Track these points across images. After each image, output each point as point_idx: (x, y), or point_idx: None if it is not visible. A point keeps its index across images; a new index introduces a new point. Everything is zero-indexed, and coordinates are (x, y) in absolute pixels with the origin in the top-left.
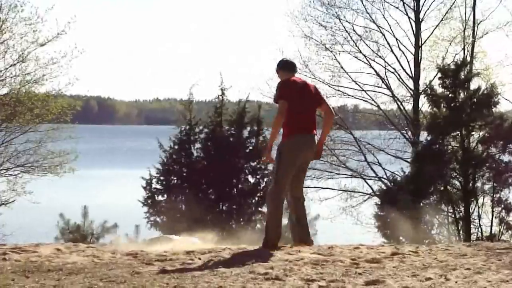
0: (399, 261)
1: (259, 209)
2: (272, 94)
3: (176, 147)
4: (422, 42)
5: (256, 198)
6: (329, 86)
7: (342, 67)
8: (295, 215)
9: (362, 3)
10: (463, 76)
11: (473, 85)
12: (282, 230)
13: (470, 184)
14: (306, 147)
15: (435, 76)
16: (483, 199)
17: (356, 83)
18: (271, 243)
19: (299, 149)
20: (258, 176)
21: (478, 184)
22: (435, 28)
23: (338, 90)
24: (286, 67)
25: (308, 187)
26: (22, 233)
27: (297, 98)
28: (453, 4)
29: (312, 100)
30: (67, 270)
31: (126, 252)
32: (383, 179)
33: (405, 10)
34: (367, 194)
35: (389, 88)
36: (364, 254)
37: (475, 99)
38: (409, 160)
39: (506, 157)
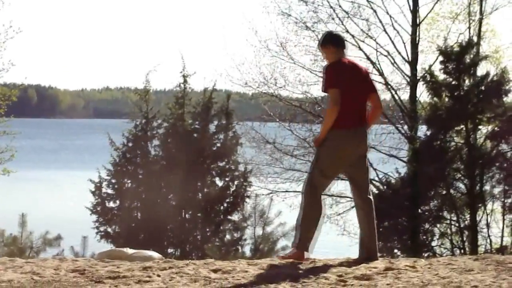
0: (393, 278)
1: (229, 217)
2: (243, 81)
3: (130, 144)
4: (421, 20)
5: (225, 204)
6: (310, 72)
7: None
8: (359, 223)
9: None
10: (468, 60)
11: (480, 71)
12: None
13: (477, 187)
14: (356, 142)
15: (435, 60)
16: (492, 204)
17: None
18: (299, 246)
19: (343, 147)
20: (227, 179)
21: (487, 187)
22: (436, 3)
23: (321, 77)
24: (335, 42)
25: (287, 191)
26: None
27: (346, 85)
28: None
29: (363, 86)
30: None
31: (72, 268)
32: (374, 182)
33: None
34: None
35: (381, 74)
36: (353, 270)
37: (482, 87)
38: (405, 159)
39: None
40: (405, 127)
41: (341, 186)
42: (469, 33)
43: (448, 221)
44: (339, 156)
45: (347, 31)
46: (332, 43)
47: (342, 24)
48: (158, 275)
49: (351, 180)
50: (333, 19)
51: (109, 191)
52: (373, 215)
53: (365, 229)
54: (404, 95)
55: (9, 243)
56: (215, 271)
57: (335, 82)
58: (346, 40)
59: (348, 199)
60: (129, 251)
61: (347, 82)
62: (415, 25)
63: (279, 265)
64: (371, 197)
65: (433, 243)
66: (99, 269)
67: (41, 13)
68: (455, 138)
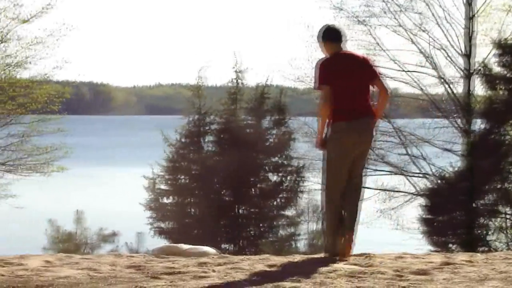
0: (450, 273)
1: (282, 212)
2: (296, 77)
3: (183, 140)
4: (475, 13)
5: (279, 200)
6: None
7: (379, 44)
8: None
9: None
10: None
11: None
12: None
13: None
14: (357, 133)
15: (490, 53)
16: None
17: (396, 63)
18: (327, 250)
19: (345, 139)
20: (280, 174)
21: None
22: None
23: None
24: (328, 36)
25: None
26: (4, 243)
27: (340, 78)
28: None
29: (362, 76)
30: (59, 285)
31: (127, 264)
32: (428, 176)
33: None
34: (410, 193)
35: (435, 67)
36: (409, 265)
37: None
38: (460, 153)
39: None
40: (459, 121)
41: (395, 180)
42: None
43: (503, 215)
44: (343, 150)
45: (401, 25)
46: (327, 37)
47: (395, 18)
48: (214, 271)
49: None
50: (386, 12)
51: (163, 187)
52: (358, 211)
53: (347, 219)
54: (459, 89)
55: (65, 240)
56: (271, 266)
57: (324, 79)
58: (342, 33)
59: (402, 193)
60: (184, 246)
61: (340, 74)
62: (469, 18)
63: (335, 260)
64: (359, 194)
65: (489, 237)
66: (155, 265)
67: (94, 10)
68: (510, 131)
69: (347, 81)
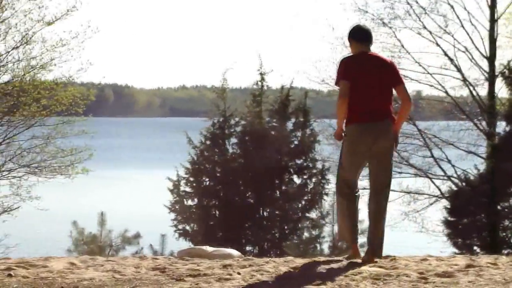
0: (475, 275)
1: (307, 214)
2: (320, 79)
3: (208, 142)
4: (499, 15)
5: (303, 202)
6: None
7: (403, 46)
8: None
9: None
10: None
11: None
12: None
13: None
14: (372, 137)
15: None
16: None
17: (420, 65)
18: (343, 239)
19: (356, 142)
20: (305, 176)
21: None
22: None
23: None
24: (354, 36)
25: (364, 189)
26: (29, 245)
27: (361, 77)
28: None
29: (384, 79)
30: (84, 287)
31: (152, 266)
32: (452, 178)
33: None
34: (434, 196)
35: (459, 70)
36: (434, 267)
37: None
38: (484, 155)
39: None
40: (483, 123)
41: (419, 183)
42: None
43: None
44: (353, 151)
45: (425, 27)
46: (353, 37)
47: (419, 20)
48: (239, 273)
49: (370, 173)
50: (410, 15)
51: (187, 189)
52: (381, 215)
53: (370, 225)
54: (482, 91)
55: (89, 242)
56: (295, 268)
57: (344, 75)
58: (369, 34)
59: (426, 196)
60: (209, 249)
61: (362, 74)
62: (493, 20)
63: (360, 262)
64: (383, 200)
65: None
66: (179, 267)
67: (119, 13)
68: None
69: (367, 81)
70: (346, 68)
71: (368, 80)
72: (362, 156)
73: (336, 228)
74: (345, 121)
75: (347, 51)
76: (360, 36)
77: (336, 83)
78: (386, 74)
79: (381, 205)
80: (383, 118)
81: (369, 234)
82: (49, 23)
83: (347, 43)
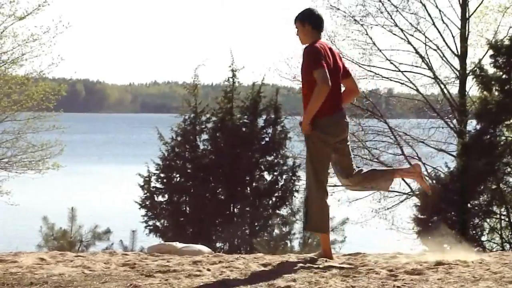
0: (444, 273)
1: (277, 211)
2: (291, 75)
3: (179, 138)
4: (470, 13)
5: (274, 199)
6: (359, 65)
7: (374, 44)
8: None
9: None
10: None
11: None
12: None
13: None
14: (341, 127)
15: (485, 54)
16: None
17: (391, 62)
18: (320, 229)
19: (331, 134)
20: (275, 173)
21: None
22: None
23: (370, 71)
24: (316, 23)
25: (335, 186)
26: None
27: (330, 66)
28: None
29: (339, 70)
30: (53, 283)
31: (122, 262)
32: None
33: None
34: (405, 194)
35: (430, 68)
36: (403, 264)
37: None
38: (454, 153)
39: None
40: (454, 121)
41: None
42: None
43: (498, 216)
44: (327, 143)
45: (396, 25)
46: (310, 22)
47: (391, 18)
48: (208, 269)
49: (334, 164)
50: (381, 12)
51: (158, 185)
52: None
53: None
54: (453, 89)
55: (59, 237)
56: (265, 265)
57: (323, 62)
58: (322, 23)
59: (396, 193)
60: (179, 245)
61: (331, 64)
62: (464, 18)
63: (329, 259)
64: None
65: (483, 238)
66: (149, 263)
67: (90, 8)
68: (505, 132)
69: (335, 71)
70: (323, 55)
71: (335, 69)
72: (332, 147)
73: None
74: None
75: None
76: (320, 24)
77: (316, 67)
78: (341, 66)
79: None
80: (342, 108)
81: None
82: (20, 18)
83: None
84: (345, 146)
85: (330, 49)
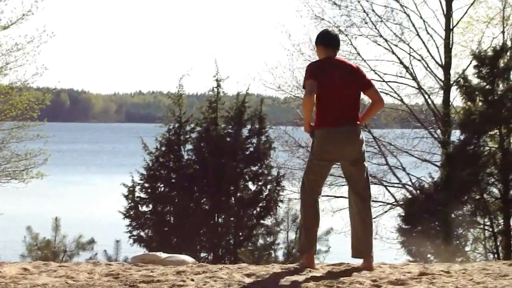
0: (428, 283)
1: (261, 221)
2: (276, 85)
3: (163, 148)
4: (454, 24)
5: (258, 209)
6: None
7: (359, 54)
8: (352, 221)
9: None
10: (502, 64)
11: None
12: None
13: (511, 192)
14: (340, 140)
15: (469, 64)
16: None
17: (376, 73)
18: (302, 250)
19: (327, 146)
20: (260, 183)
21: None
22: (469, 7)
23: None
24: (321, 41)
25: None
26: None
27: (329, 81)
28: None
29: (350, 84)
30: None
31: (105, 272)
32: (407, 186)
33: None
34: (388, 204)
35: (414, 78)
36: (387, 275)
37: None
38: (438, 163)
39: None
40: (438, 131)
41: (373, 190)
42: (503, 37)
43: (481, 226)
44: (322, 155)
45: (380, 35)
46: (321, 41)
47: (376, 28)
48: (192, 280)
49: (346, 178)
50: (366, 23)
51: (142, 195)
52: (367, 213)
53: (355, 227)
54: (437, 100)
55: (43, 247)
56: (248, 275)
57: (310, 75)
58: (337, 40)
59: (380, 203)
60: (163, 255)
61: (328, 79)
62: (448, 29)
63: (313, 270)
64: (368, 192)
65: (467, 248)
66: (133, 273)
67: (75, 17)
68: (489, 142)
69: (335, 86)
70: (313, 70)
71: (335, 84)
72: (332, 159)
73: (293, 235)
74: (313, 124)
75: (303, 58)
76: (327, 41)
77: (304, 86)
78: (354, 80)
79: (369, 205)
80: (348, 123)
81: (353, 237)
82: (4, 27)
83: (304, 50)
84: (353, 168)
85: (340, 63)
